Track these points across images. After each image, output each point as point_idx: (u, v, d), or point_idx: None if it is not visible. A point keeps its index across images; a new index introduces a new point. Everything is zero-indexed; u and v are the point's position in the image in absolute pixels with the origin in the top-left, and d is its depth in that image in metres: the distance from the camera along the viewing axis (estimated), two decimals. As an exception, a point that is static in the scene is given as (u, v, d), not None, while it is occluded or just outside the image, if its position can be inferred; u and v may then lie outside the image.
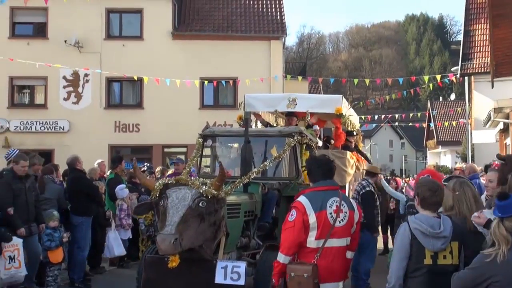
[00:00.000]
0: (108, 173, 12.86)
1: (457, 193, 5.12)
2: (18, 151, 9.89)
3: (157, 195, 6.24)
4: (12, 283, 8.67)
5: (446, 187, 5.18)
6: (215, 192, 6.19)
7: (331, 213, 5.28)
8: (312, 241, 5.22)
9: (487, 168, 10.24)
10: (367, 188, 9.51)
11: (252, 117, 12.71)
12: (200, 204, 6.05)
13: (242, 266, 6.48)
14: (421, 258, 4.56)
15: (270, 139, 9.54)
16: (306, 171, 9.29)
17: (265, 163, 8.29)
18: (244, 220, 7.92)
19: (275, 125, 13.06)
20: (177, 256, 6.23)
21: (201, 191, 6.13)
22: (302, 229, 5.20)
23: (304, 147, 9.50)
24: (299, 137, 9.06)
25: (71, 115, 27.00)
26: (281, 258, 5.28)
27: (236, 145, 10.08)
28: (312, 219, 5.20)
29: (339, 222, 5.28)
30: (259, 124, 12.80)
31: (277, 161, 8.75)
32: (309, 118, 12.03)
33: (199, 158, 9.42)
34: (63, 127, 26.97)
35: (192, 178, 6.53)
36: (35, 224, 9.15)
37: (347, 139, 13.23)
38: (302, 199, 5.34)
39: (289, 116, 12.24)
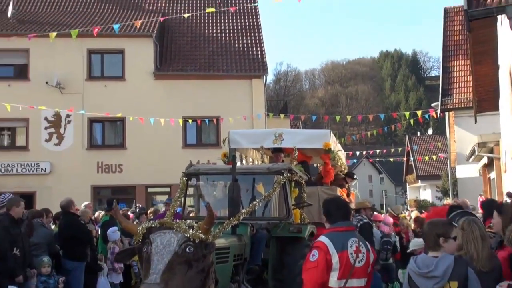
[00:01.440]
0: (102, 214, 12.71)
1: (465, 232, 5.21)
2: (11, 195, 9.70)
3: (140, 240, 5.73)
4: None
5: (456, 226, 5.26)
6: (203, 236, 5.64)
7: (351, 253, 5.25)
8: (334, 281, 5.15)
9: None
10: (365, 220, 9.60)
11: (237, 154, 12.34)
12: (187, 250, 5.49)
13: None
14: None
15: (258, 177, 9.28)
16: (295, 209, 9.25)
17: (254, 202, 7.92)
18: (233, 265, 7.61)
19: (260, 162, 12.81)
20: None
21: (188, 235, 5.60)
22: (325, 269, 5.12)
23: (293, 184, 9.29)
24: (288, 174, 8.79)
25: (53, 157, 26.77)
26: None
27: (221, 183, 9.71)
28: (335, 259, 5.14)
29: (359, 262, 5.26)
30: (244, 161, 12.54)
31: (266, 200, 8.43)
32: (296, 154, 11.42)
33: (183, 198, 9.08)
34: (45, 168, 26.69)
35: (177, 220, 5.99)
36: (29, 270, 8.97)
37: (346, 180, 13.13)
38: (323, 239, 5.26)
39: (276, 152, 11.87)
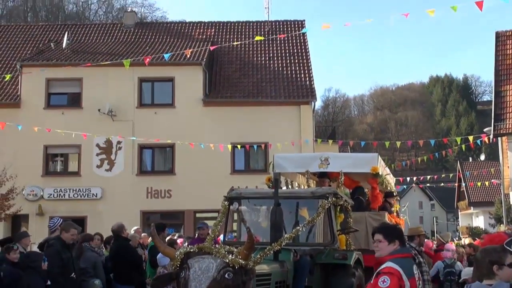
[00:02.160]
0: (149, 240, 12.83)
1: None
2: (62, 220, 9.92)
3: (178, 265, 5.54)
4: None
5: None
6: (243, 262, 5.44)
7: (417, 280, 5.18)
8: None
9: None
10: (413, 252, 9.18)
11: (282, 179, 12.00)
12: (226, 276, 5.29)
13: None
14: None
15: (302, 201, 9.01)
16: (341, 235, 8.90)
17: (298, 227, 7.76)
18: None
19: (306, 187, 12.32)
20: None
21: (227, 261, 5.39)
22: None
23: (338, 209, 9.02)
24: (333, 199, 8.54)
25: (104, 182, 27.29)
26: None
27: (264, 208, 9.37)
28: (407, 285, 4.99)
29: None
30: (290, 186, 12.22)
31: (310, 225, 8.20)
32: (342, 178, 11.20)
33: (225, 223, 8.85)
34: (96, 194, 27.23)
35: (216, 246, 5.77)
36: (79, 293, 9.13)
37: (387, 200, 12.57)
38: (393, 265, 5.05)
39: (321, 177, 11.57)
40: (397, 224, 5.52)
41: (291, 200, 8.88)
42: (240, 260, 5.37)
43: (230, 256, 5.39)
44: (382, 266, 5.11)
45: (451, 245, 12.68)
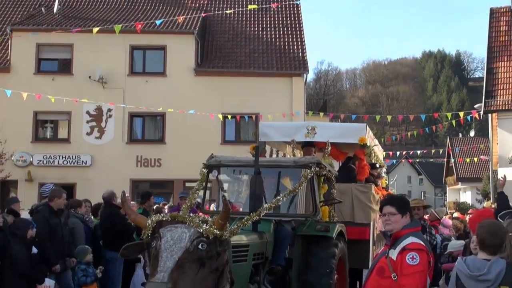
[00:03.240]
0: (136, 208, 12.83)
1: (510, 234, 5.08)
2: (53, 186, 9.91)
3: (149, 234, 5.22)
4: None
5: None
6: (218, 232, 5.16)
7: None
8: (427, 284, 4.82)
9: None
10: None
11: (268, 148, 11.81)
12: (200, 246, 5.04)
13: None
14: None
15: (284, 170, 8.56)
16: (324, 206, 8.70)
17: (278, 197, 7.34)
18: (252, 264, 6.95)
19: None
20: None
21: (201, 231, 5.12)
22: (428, 272, 4.76)
23: (322, 179, 8.68)
24: (317, 168, 8.10)
25: (93, 150, 27.24)
26: None
27: (245, 177, 8.94)
28: (431, 261, 4.84)
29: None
30: (275, 156, 11.78)
31: (291, 195, 7.75)
32: (329, 148, 10.71)
33: (203, 192, 8.43)
34: (86, 161, 27.19)
35: (191, 215, 5.46)
36: (68, 259, 9.15)
37: (370, 172, 11.92)
38: (418, 240, 4.82)
39: (307, 147, 11.00)
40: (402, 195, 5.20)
41: (273, 169, 8.51)
42: (215, 230, 5.13)
43: (205, 225, 5.15)
44: (406, 242, 4.81)
45: (449, 221, 12.66)
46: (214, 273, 5.20)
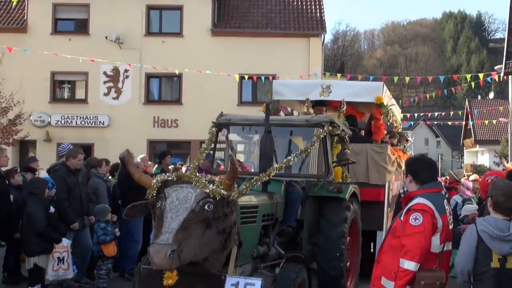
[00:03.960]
0: (154, 168, 12.90)
1: None
2: (71, 145, 9.98)
3: (154, 194, 5.15)
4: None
5: None
6: (225, 193, 5.02)
7: (449, 216, 4.86)
8: (436, 246, 4.71)
9: None
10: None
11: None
12: (206, 207, 4.92)
13: (257, 284, 5.34)
14: (488, 261, 4.55)
15: (296, 129, 8.23)
16: (336, 167, 8.41)
17: (289, 157, 7.07)
18: (262, 225, 6.71)
19: None
20: (174, 272, 5.15)
21: (208, 191, 4.99)
22: (431, 234, 4.66)
23: (335, 139, 8.37)
24: (329, 128, 7.75)
25: (111, 110, 27.37)
26: (412, 266, 4.58)
27: (257, 136, 8.62)
28: (440, 222, 4.69)
29: (451, 224, 4.91)
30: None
31: (303, 155, 7.48)
32: (344, 108, 10.42)
33: (213, 152, 8.25)
34: (103, 121, 27.34)
35: (198, 175, 5.30)
36: (86, 217, 9.27)
37: (389, 141, 11.71)
38: (425, 201, 4.72)
39: (317, 106, 10.52)
40: (429, 157, 5.03)
41: (284, 128, 8.11)
42: (222, 191, 5.01)
43: (211, 186, 5.01)
44: (413, 202, 4.80)
45: (469, 183, 12.47)
46: (221, 234, 5.12)
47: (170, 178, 5.16)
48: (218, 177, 5.34)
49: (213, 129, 8.01)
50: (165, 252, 4.59)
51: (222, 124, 8.11)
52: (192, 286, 5.32)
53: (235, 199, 5.21)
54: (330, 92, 10.58)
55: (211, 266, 5.27)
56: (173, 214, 4.81)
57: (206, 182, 5.06)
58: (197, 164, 6.87)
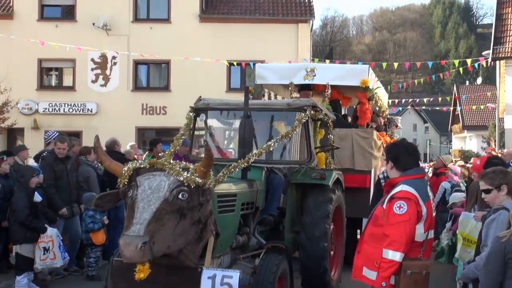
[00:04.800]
0: (144, 155, 12.85)
1: None
2: (57, 133, 9.94)
3: (126, 182, 4.86)
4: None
5: None
6: (200, 181, 4.75)
7: (432, 203, 4.74)
8: (420, 234, 4.57)
9: None
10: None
11: (266, 93, 11.24)
12: (180, 196, 4.67)
13: (235, 277, 5.07)
14: None
15: (277, 114, 7.91)
16: (320, 153, 8.20)
17: (270, 142, 6.79)
18: (241, 214, 6.45)
19: None
20: (146, 266, 4.87)
21: (182, 179, 4.73)
22: (416, 222, 4.51)
23: (318, 124, 8.16)
24: (312, 112, 7.46)
25: (99, 97, 27.21)
26: (397, 256, 4.43)
27: (237, 122, 8.17)
28: (424, 210, 4.54)
29: (434, 212, 4.79)
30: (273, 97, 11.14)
31: (284, 140, 7.24)
32: (329, 91, 10.10)
33: (191, 137, 8.03)
34: (91, 109, 27.20)
35: (172, 162, 5.04)
36: (76, 205, 9.24)
37: (374, 119, 11.46)
38: (408, 188, 4.55)
39: (304, 90, 10.28)
40: (410, 143, 4.87)
41: (265, 113, 7.82)
42: (197, 179, 4.76)
43: (185, 173, 4.78)
44: (396, 190, 4.63)
45: (457, 168, 12.47)
46: (196, 225, 4.88)
47: (142, 166, 4.90)
48: (194, 164, 5.14)
49: (191, 113, 7.79)
50: (136, 245, 4.36)
51: (200, 109, 7.90)
52: (166, 279, 5.11)
53: (211, 187, 4.97)
54: (315, 75, 10.33)
55: (186, 259, 5.04)
56: (145, 204, 4.56)
57: (180, 169, 4.81)
58: (172, 150, 6.62)
